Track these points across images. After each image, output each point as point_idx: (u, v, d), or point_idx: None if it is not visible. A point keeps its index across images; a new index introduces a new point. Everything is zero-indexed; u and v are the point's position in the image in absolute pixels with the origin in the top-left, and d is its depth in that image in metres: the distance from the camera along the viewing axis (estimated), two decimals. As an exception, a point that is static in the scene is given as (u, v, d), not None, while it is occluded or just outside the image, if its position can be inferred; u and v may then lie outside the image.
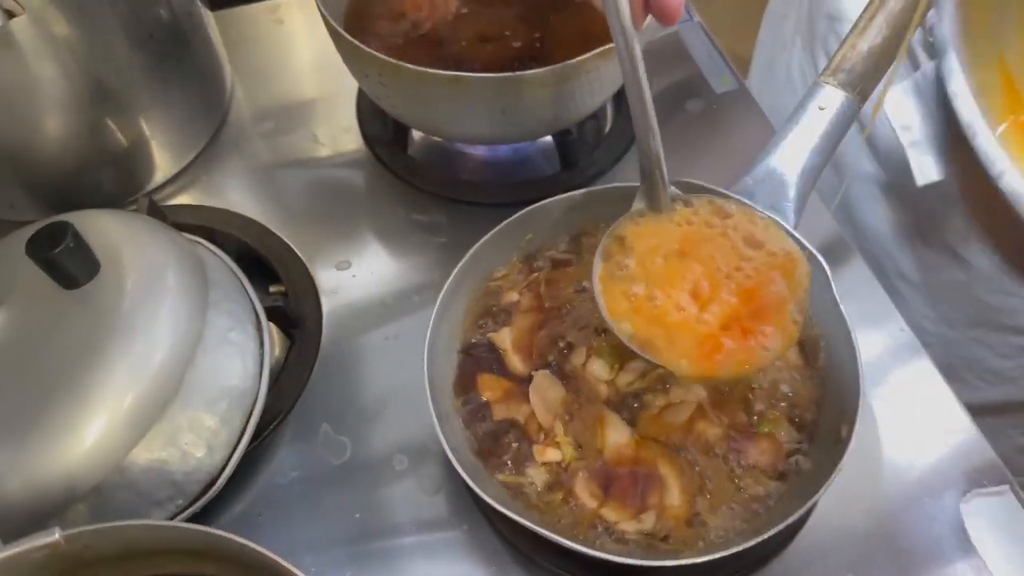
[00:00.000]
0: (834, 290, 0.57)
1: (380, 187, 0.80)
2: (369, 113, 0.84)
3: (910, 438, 0.63)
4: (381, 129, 0.82)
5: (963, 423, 0.63)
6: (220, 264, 0.67)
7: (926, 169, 0.69)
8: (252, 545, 0.44)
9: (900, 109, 0.70)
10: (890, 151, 0.76)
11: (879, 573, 0.57)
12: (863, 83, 0.61)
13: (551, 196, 0.65)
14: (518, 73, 0.63)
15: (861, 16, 0.62)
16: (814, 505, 0.54)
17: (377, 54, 0.64)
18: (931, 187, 0.70)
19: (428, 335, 0.57)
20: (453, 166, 0.84)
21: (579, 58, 0.63)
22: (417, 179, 0.79)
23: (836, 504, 0.59)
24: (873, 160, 0.79)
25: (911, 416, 0.64)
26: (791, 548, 0.58)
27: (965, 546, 0.58)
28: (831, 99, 0.61)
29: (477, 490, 0.52)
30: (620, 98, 0.84)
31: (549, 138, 0.78)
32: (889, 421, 0.63)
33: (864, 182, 0.81)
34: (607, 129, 0.83)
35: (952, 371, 0.83)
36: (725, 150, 0.81)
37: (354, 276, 0.73)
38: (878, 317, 0.69)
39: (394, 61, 0.64)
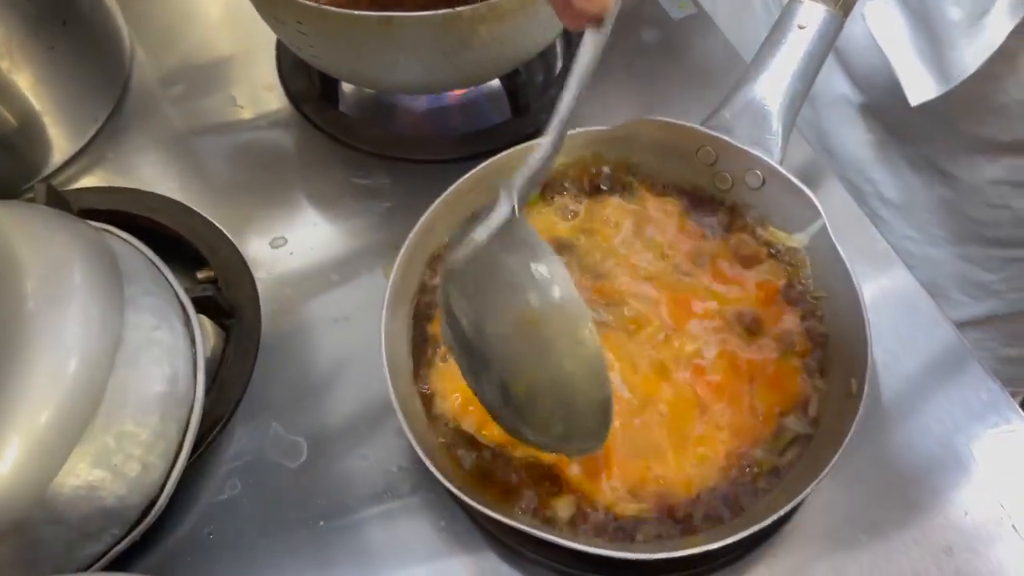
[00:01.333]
0: (838, 248, 0.52)
1: (311, 150, 0.71)
2: (292, 67, 0.75)
3: (909, 374, 0.58)
4: (307, 84, 0.74)
5: (965, 354, 0.59)
6: (135, 254, 0.59)
7: (920, 86, 0.64)
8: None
9: (882, 21, 0.65)
10: (868, 70, 0.70)
11: (891, 519, 0.53)
12: (845, -6, 0.55)
13: (503, 147, 0.58)
14: (458, 9, 0.55)
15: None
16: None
17: (295, -2, 0.55)
18: (919, 105, 0.65)
19: (383, 319, 0.50)
20: (392, 120, 0.76)
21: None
22: (352, 138, 0.70)
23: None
24: (848, 81, 0.74)
25: (909, 350, 0.59)
26: (801, 509, 0.54)
27: (978, 486, 0.54)
28: (811, 15, 0.55)
29: (451, 487, 0.45)
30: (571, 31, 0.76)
31: (496, 82, 0.70)
32: (890, 364, 0.59)
33: (838, 106, 0.77)
34: (559, 67, 0.76)
35: (938, 289, 0.80)
36: (689, 82, 0.74)
37: (291, 253, 0.65)
38: (863, 247, 0.64)
39: (314, 4, 0.55)
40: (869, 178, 0.79)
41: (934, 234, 0.78)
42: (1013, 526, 0.53)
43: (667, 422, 0.51)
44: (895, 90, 0.66)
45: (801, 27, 0.55)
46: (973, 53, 0.61)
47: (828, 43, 0.55)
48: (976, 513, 0.53)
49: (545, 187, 0.60)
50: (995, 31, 0.60)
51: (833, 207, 0.65)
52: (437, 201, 0.54)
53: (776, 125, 0.55)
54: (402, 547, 0.53)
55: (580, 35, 0.74)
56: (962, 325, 0.83)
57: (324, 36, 0.59)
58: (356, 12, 0.55)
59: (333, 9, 0.55)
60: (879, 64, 0.67)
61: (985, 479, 0.54)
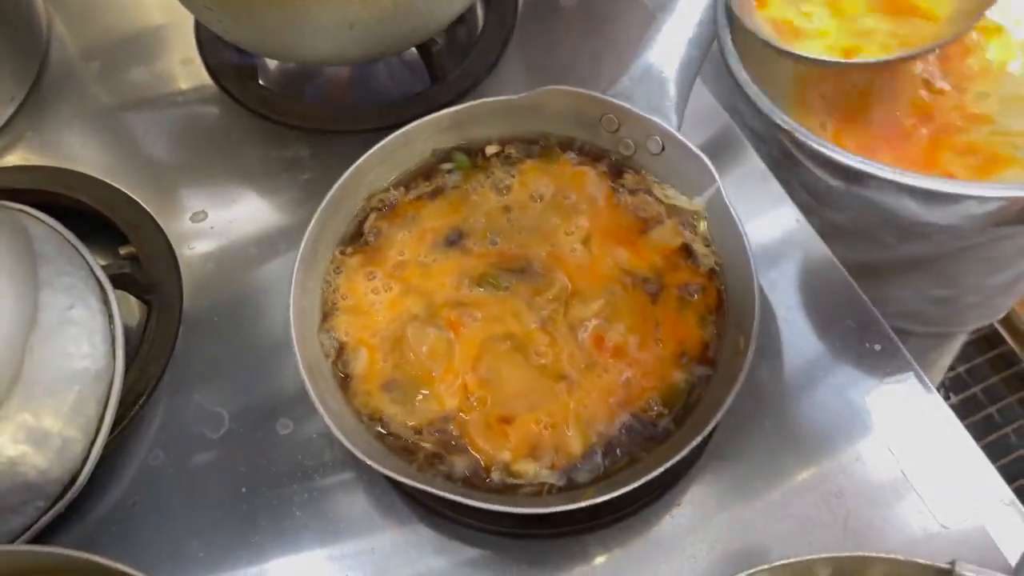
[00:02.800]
0: (731, 211, 0.54)
1: (231, 124, 0.72)
2: (211, 40, 0.75)
3: (809, 329, 0.61)
4: (227, 57, 0.74)
5: (864, 309, 0.62)
6: (50, 233, 0.59)
7: None
8: (101, 560, 0.40)
9: None
10: None
11: (787, 469, 0.56)
12: (737, -38, 0.56)
13: (420, 115, 0.59)
14: (360, -18, 0.56)
15: None
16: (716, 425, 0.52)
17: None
18: None
19: (292, 296, 0.52)
20: (315, 91, 0.76)
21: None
22: (271, 111, 0.71)
23: (745, 409, 0.57)
24: None
25: (810, 306, 0.62)
26: (699, 463, 0.56)
27: (870, 434, 0.57)
28: (705, -18, 0.56)
29: (366, 459, 0.47)
30: (489, -4, 0.77)
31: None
32: (787, 315, 0.61)
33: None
34: (479, 32, 0.76)
35: (870, 230, 0.83)
36: (606, 45, 0.75)
37: (212, 227, 0.66)
38: (770, 209, 0.66)
39: (215, -20, 0.55)
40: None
41: None
42: (902, 471, 0.56)
43: (568, 380, 0.53)
44: None
45: (695, -7, 0.56)
46: None
47: (723, 7, 0.56)
48: (868, 460, 0.56)
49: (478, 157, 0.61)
50: None
51: (740, 167, 0.68)
52: (343, 177, 0.56)
53: (673, 91, 0.57)
54: (323, 512, 0.55)
55: (503, 2, 0.75)
56: (895, 266, 0.86)
57: (230, 11, 0.59)
58: (258, -13, 0.55)
59: (235, -15, 0.56)
60: None
61: (877, 427, 0.57)
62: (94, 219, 0.67)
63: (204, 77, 0.74)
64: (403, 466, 0.50)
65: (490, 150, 0.60)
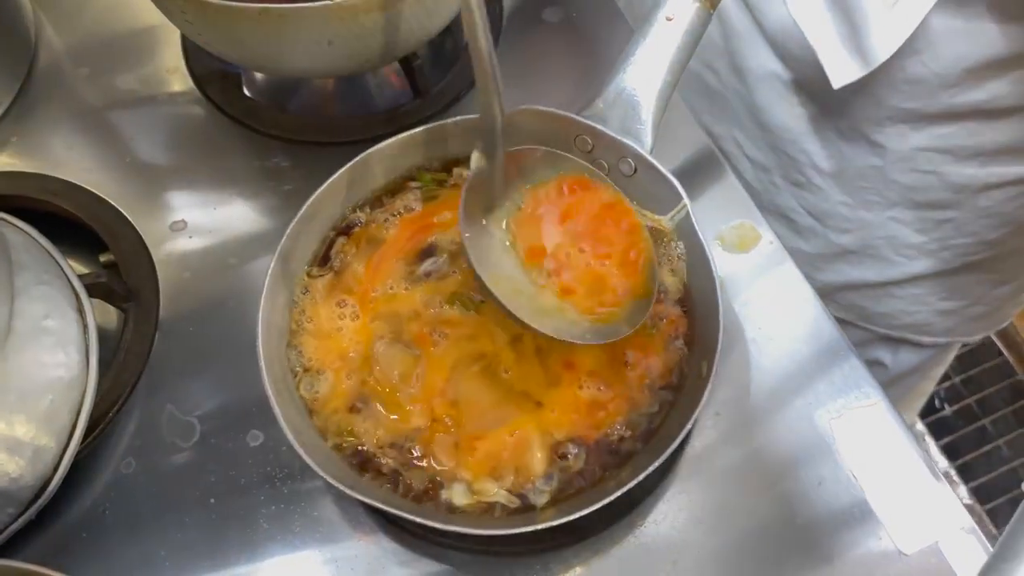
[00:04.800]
0: (699, 233, 0.55)
1: (214, 132, 0.72)
2: (197, 49, 0.75)
3: (779, 351, 0.61)
4: (211, 66, 0.74)
5: (833, 333, 0.62)
6: (28, 241, 0.60)
7: (842, 69, 0.67)
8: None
9: (802, 4, 0.66)
10: (794, 49, 0.72)
11: (752, 494, 0.57)
12: (711, -12, 0.56)
13: (402, 129, 0.60)
14: (336, 1, 0.56)
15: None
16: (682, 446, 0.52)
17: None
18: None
19: (261, 310, 0.52)
20: (301, 102, 0.77)
21: (403, -22, 0.56)
22: (254, 120, 0.72)
23: (711, 431, 0.58)
24: (777, 59, 0.76)
25: (780, 328, 0.62)
26: (664, 483, 0.57)
27: (833, 458, 0.57)
28: (679, 8, 0.56)
29: (323, 474, 0.48)
30: (474, 11, 0.77)
31: (400, 63, 0.72)
32: (757, 336, 0.62)
33: (769, 82, 0.78)
34: (463, 45, 0.77)
35: (873, 250, 0.84)
36: (588, 64, 0.76)
37: (191, 236, 0.67)
38: (748, 232, 0.66)
39: (192, -4, 0.56)
40: (803, 149, 0.81)
41: (867, 199, 0.80)
42: (863, 495, 0.56)
43: (534, 400, 0.53)
44: (821, 68, 0.68)
45: (669, 19, 0.56)
46: (890, 35, 0.63)
47: (695, 36, 0.57)
48: (829, 483, 0.57)
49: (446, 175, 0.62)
50: (911, 14, 0.62)
51: (717, 189, 0.68)
52: (313, 196, 0.56)
53: (646, 115, 0.57)
54: (289, 524, 0.56)
55: (487, 10, 0.75)
56: (899, 282, 0.87)
57: (208, 26, 0.60)
58: (235, 4, 0.56)
59: (213, 0, 0.56)
60: (805, 43, 0.68)
61: (841, 452, 0.57)
62: (76, 225, 0.67)
63: (190, 85, 0.75)
64: (362, 482, 0.50)
65: (457, 170, 0.61)
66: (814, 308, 0.63)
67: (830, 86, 0.69)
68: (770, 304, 0.63)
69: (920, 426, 1.67)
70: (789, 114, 0.79)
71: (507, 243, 0.54)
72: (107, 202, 0.68)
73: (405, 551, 0.55)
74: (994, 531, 1.52)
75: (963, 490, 1.65)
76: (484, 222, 0.53)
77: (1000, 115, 0.69)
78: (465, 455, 0.52)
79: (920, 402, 1.29)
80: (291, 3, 0.57)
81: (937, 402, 1.71)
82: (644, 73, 0.57)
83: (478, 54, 0.48)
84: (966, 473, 1.66)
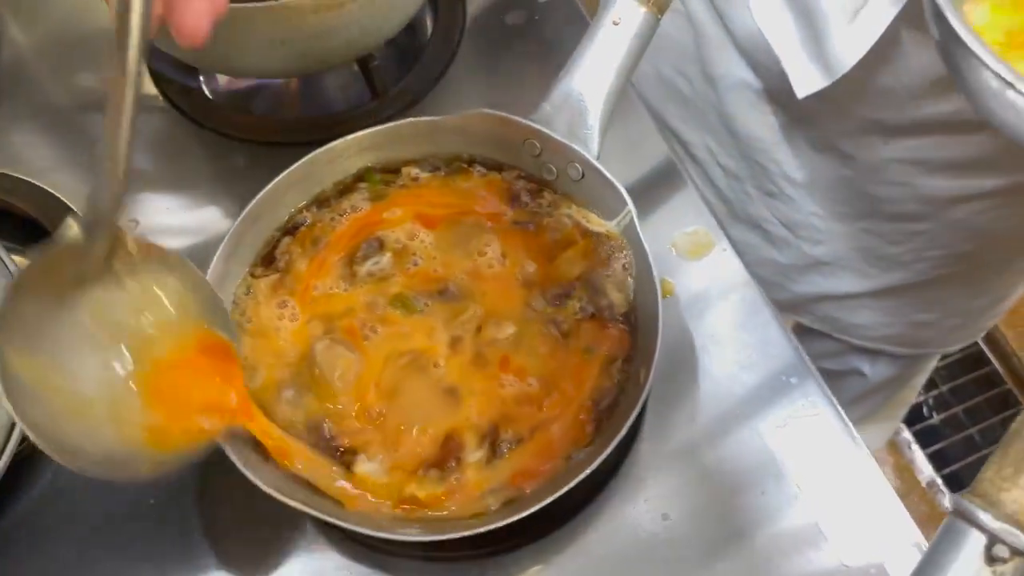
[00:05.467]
0: (641, 238, 0.55)
1: (173, 132, 0.72)
2: (158, 51, 0.75)
3: (728, 361, 0.61)
4: (171, 67, 0.74)
5: (783, 342, 0.61)
6: (-27, 239, 0.60)
7: (806, 79, 0.66)
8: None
9: (767, 14, 0.66)
10: (763, 58, 0.71)
11: (695, 498, 0.56)
12: (657, -8, 0.56)
13: (359, 130, 0.60)
14: (283, 1, 0.56)
15: (655, -84, 0.56)
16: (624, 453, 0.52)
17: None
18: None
19: None
20: (262, 104, 0.77)
21: (348, -20, 0.56)
22: (211, 121, 0.71)
23: (656, 436, 0.58)
24: (747, 67, 0.75)
25: (731, 337, 0.62)
26: (604, 493, 0.56)
27: (779, 468, 0.57)
28: (625, 12, 0.56)
29: (253, 478, 0.48)
30: (438, 7, 0.77)
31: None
32: (708, 344, 0.61)
33: (740, 90, 0.78)
34: (425, 46, 0.77)
35: (846, 262, 0.84)
36: (549, 67, 0.74)
37: (140, 234, 0.66)
38: (701, 239, 0.66)
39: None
40: (774, 158, 0.81)
41: (839, 211, 0.80)
42: (807, 506, 0.56)
43: (469, 403, 0.53)
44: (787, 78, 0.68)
45: (616, 23, 0.56)
46: (853, 46, 0.63)
47: (643, 40, 0.56)
48: (773, 493, 0.56)
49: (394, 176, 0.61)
50: (874, 23, 0.61)
51: (671, 196, 0.68)
52: (258, 196, 0.56)
53: (592, 120, 0.57)
54: (226, 527, 0.56)
55: (448, 17, 0.75)
56: (874, 294, 0.86)
57: (158, 25, 0.59)
58: (181, 3, 0.56)
59: (159, 0, 0.56)
60: (772, 52, 0.68)
61: (787, 462, 0.57)
62: (29, 222, 0.67)
63: (149, 84, 0.74)
64: (284, 482, 0.50)
65: (407, 170, 0.60)
66: (765, 316, 0.62)
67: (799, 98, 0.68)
68: (721, 311, 0.63)
69: (907, 434, 1.67)
70: (760, 123, 0.79)
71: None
72: (59, 199, 0.67)
73: (340, 556, 0.55)
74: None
75: (948, 500, 1.64)
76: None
77: (967, 129, 0.68)
78: (395, 454, 0.51)
79: (902, 411, 1.29)
80: (242, 3, 0.57)
81: (925, 410, 1.70)
82: (591, 77, 0.57)
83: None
84: (953, 483, 1.65)
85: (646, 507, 0.56)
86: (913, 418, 1.64)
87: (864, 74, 0.65)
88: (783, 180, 0.81)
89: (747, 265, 0.65)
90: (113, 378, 0.47)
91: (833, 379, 1.16)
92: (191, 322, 0.49)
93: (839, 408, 0.59)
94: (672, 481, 0.57)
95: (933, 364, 1.15)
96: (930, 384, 1.65)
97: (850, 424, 0.59)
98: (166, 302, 0.49)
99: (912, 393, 1.23)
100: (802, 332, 1.01)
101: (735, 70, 0.77)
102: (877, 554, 0.54)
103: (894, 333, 0.93)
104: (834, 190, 0.79)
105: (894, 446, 1.65)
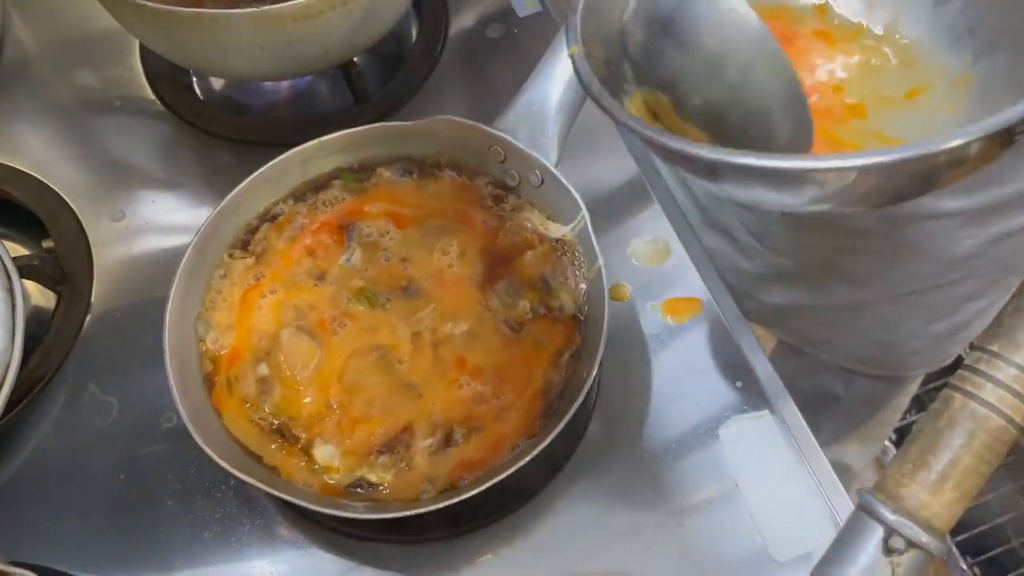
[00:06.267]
0: (593, 242, 0.57)
1: (164, 131, 0.76)
2: (152, 53, 0.78)
3: (679, 362, 0.64)
4: (163, 67, 0.78)
5: (734, 347, 0.64)
6: (-34, 224, 0.63)
7: None
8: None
9: None
10: None
11: (639, 492, 0.59)
12: (617, 10, 0.59)
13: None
14: (264, 8, 0.60)
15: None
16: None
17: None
18: None
19: (167, 321, 0.55)
20: (252, 105, 0.80)
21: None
22: (202, 121, 0.75)
23: (606, 433, 0.61)
24: None
25: (682, 339, 0.64)
26: (555, 482, 0.59)
27: (719, 467, 0.59)
28: (585, 28, 0.59)
29: (201, 442, 0.51)
30: (421, 15, 0.81)
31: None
32: (658, 346, 0.64)
33: None
34: (407, 54, 0.80)
35: (810, 274, 0.85)
36: (525, 79, 0.78)
37: (127, 227, 0.70)
38: (660, 247, 0.68)
39: (129, -1, 0.59)
40: None
41: (801, 222, 0.81)
42: (744, 503, 0.58)
43: (423, 395, 0.56)
44: None
45: (576, 39, 0.59)
46: None
47: (602, 55, 0.59)
48: (713, 490, 0.59)
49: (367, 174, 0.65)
50: None
51: (634, 207, 0.71)
52: (236, 190, 0.59)
53: (552, 130, 0.60)
54: (191, 505, 0.59)
55: (432, 28, 0.78)
56: (838, 309, 0.87)
57: (149, 29, 0.63)
58: (170, 8, 0.59)
59: (148, 4, 0.59)
60: None
61: (727, 460, 0.59)
62: (23, 211, 0.71)
63: (144, 85, 0.78)
64: (250, 463, 0.53)
65: (380, 170, 0.64)
66: (718, 322, 0.65)
67: None
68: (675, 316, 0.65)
69: (895, 452, 1.67)
70: None
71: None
72: (53, 190, 0.71)
73: (300, 537, 0.58)
74: (962, 565, 1.51)
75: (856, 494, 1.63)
76: None
77: None
78: (344, 435, 0.54)
79: (886, 431, 1.29)
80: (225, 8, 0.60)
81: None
82: (550, 88, 0.60)
83: None
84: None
85: (593, 493, 0.59)
86: (901, 436, 1.65)
87: None
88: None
89: (719, 272, 0.67)
90: None
91: (808, 400, 1.18)
92: None
93: (781, 412, 0.61)
94: (620, 471, 0.60)
95: (914, 387, 1.15)
96: (919, 404, 1.66)
97: (791, 428, 0.61)
98: None
99: (895, 414, 1.23)
100: (782, 348, 1.03)
101: None
102: (806, 550, 0.56)
103: (860, 353, 0.94)
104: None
105: (880, 464, 1.66)
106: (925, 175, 0.41)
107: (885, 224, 0.76)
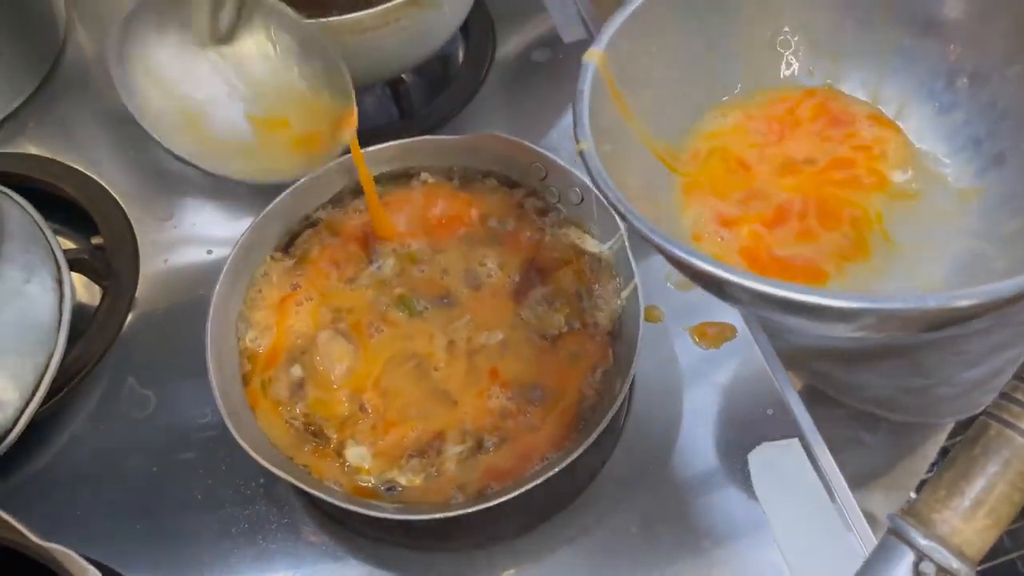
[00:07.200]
0: (631, 260, 0.58)
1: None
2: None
3: (710, 385, 0.64)
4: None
5: (765, 375, 0.64)
6: (23, 215, 0.65)
7: None
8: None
9: None
10: None
11: (664, 510, 0.59)
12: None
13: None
14: (321, 20, 0.62)
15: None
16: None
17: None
18: None
19: (210, 316, 0.57)
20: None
21: (381, 7, 0.62)
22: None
23: (633, 452, 0.61)
24: None
25: (716, 364, 0.65)
26: (581, 499, 0.59)
27: (745, 491, 0.59)
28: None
29: (263, 462, 0.51)
30: (468, 38, 0.83)
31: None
32: (691, 369, 0.64)
33: None
34: (454, 74, 0.82)
35: None
36: (567, 101, 0.79)
37: (175, 227, 0.72)
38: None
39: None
40: None
41: None
42: (769, 527, 0.58)
43: (459, 404, 0.57)
44: None
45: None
46: None
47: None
48: (738, 513, 0.58)
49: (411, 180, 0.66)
50: None
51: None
52: (282, 194, 0.61)
53: (595, 149, 0.61)
54: (221, 498, 0.59)
55: (478, 50, 0.80)
56: (868, 353, 0.87)
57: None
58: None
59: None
60: None
61: (754, 485, 0.59)
62: (75, 207, 0.73)
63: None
64: (283, 460, 0.54)
65: (423, 176, 0.65)
66: (749, 350, 0.65)
67: None
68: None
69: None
70: None
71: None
72: (105, 189, 0.73)
73: (329, 539, 0.58)
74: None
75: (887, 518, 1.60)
76: None
77: None
78: (377, 438, 0.55)
79: (911, 481, 1.27)
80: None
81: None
82: (596, 110, 0.61)
83: None
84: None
85: (619, 513, 0.59)
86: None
87: None
88: None
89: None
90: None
91: (832, 443, 1.16)
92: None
93: (812, 444, 0.61)
94: (646, 492, 0.60)
95: (943, 436, 1.14)
96: (947, 455, 1.63)
97: (821, 460, 0.61)
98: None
99: (922, 463, 1.21)
100: (805, 396, 1.02)
101: None
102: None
103: (886, 397, 0.93)
104: None
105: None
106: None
107: None
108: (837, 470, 0.61)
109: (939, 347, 0.84)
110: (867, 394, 0.94)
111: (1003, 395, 0.42)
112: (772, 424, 0.62)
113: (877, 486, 1.19)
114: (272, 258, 0.62)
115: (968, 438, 0.42)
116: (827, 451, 0.62)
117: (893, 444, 1.05)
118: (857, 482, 1.14)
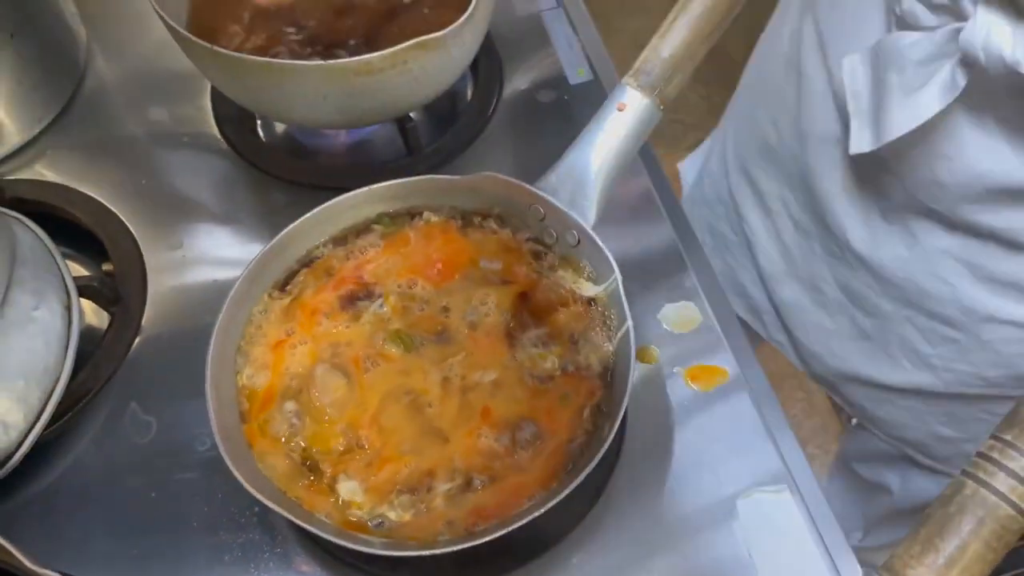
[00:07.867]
0: (623, 303, 0.58)
1: (227, 169, 0.80)
2: (221, 95, 0.83)
3: (701, 425, 0.65)
4: (232, 111, 0.82)
5: (753, 415, 0.65)
6: (35, 241, 0.67)
7: (860, 138, 0.68)
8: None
9: (854, 77, 0.68)
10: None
11: (653, 549, 0.60)
12: (662, 86, 0.61)
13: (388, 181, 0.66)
14: (332, 61, 0.64)
15: (666, 19, 0.62)
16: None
17: (189, 35, 0.64)
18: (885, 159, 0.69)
19: (210, 351, 0.58)
20: (310, 149, 0.84)
21: (388, 50, 0.63)
22: (262, 161, 0.79)
23: (626, 488, 0.62)
24: (839, 123, 0.76)
25: (707, 403, 0.66)
26: (568, 539, 0.60)
27: (732, 534, 0.60)
28: (631, 101, 0.62)
29: (258, 495, 0.52)
30: (477, 76, 0.84)
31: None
32: (683, 409, 0.65)
33: (829, 147, 0.78)
34: (461, 114, 0.83)
35: (887, 345, 0.84)
36: (567, 143, 0.81)
37: (184, 256, 0.74)
38: (690, 314, 0.70)
39: (207, 45, 0.64)
40: (841, 222, 0.81)
41: (889, 290, 0.80)
42: (756, 571, 0.59)
43: (450, 441, 0.58)
44: None
45: (620, 109, 0.62)
46: (900, 120, 0.64)
47: (644, 126, 0.62)
48: (725, 556, 0.59)
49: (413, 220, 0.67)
50: (925, 105, 0.62)
51: (670, 274, 0.73)
52: (286, 229, 0.63)
53: (591, 192, 0.62)
54: (216, 526, 0.61)
55: (486, 89, 0.81)
56: (901, 390, 0.85)
57: (223, 74, 0.67)
58: (242, 56, 0.63)
59: (224, 51, 0.64)
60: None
61: (742, 528, 0.60)
62: (87, 234, 0.75)
63: (211, 124, 0.82)
64: (277, 492, 0.55)
65: (427, 216, 0.66)
66: (741, 395, 0.66)
67: (880, 160, 0.70)
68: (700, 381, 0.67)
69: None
70: (840, 183, 0.79)
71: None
72: (117, 216, 0.75)
73: (320, 570, 0.59)
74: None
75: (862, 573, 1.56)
76: None
77: (1018, 248, 0.68)
78: (370, 473, 0.56)
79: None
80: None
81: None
82: (594, 154, 0.62)
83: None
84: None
85: (607, 552, 0.59)
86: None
87: (924, 161, 0.67)
88: (846, 245, 0.81)
89: (790, 329, 0.65)
90: None
91: (860, 484, 1.13)
92: None
93: (801, 488, 0.62)
94: (635, 532, 0.60)
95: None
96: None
97: (810, 506, 0.61)
98: None
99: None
100: (852, 428, 0.99)
101: (830, 126, 0.77)
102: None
103: (915, 438, 0.91)
104: (888, 268, 0.78)
105: None
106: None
107: (964, 316, 0.75)
108: (831, 515, 0.61)
109: (972, 402, 0.82)
110: (895, 431, 0.92)
111: (980, 454, 0.43)
112: (763, 470, 0.63)
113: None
114: (270, 296, 0.63)
115: (944, 496, 0.43)
116: (820, 496, 0.62)
117: (923, 498, 1.02)
118: (883, 538, 1.11)
